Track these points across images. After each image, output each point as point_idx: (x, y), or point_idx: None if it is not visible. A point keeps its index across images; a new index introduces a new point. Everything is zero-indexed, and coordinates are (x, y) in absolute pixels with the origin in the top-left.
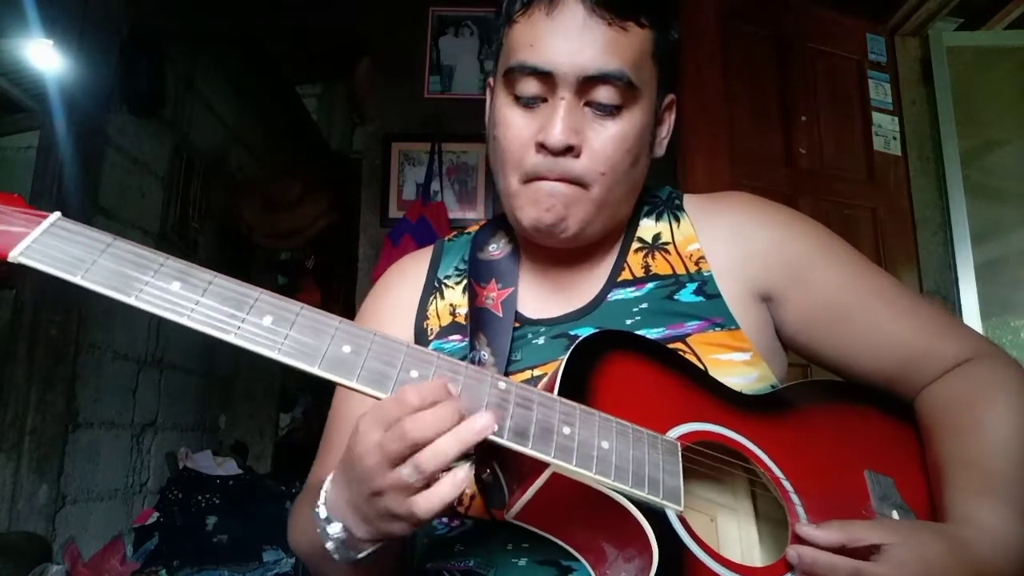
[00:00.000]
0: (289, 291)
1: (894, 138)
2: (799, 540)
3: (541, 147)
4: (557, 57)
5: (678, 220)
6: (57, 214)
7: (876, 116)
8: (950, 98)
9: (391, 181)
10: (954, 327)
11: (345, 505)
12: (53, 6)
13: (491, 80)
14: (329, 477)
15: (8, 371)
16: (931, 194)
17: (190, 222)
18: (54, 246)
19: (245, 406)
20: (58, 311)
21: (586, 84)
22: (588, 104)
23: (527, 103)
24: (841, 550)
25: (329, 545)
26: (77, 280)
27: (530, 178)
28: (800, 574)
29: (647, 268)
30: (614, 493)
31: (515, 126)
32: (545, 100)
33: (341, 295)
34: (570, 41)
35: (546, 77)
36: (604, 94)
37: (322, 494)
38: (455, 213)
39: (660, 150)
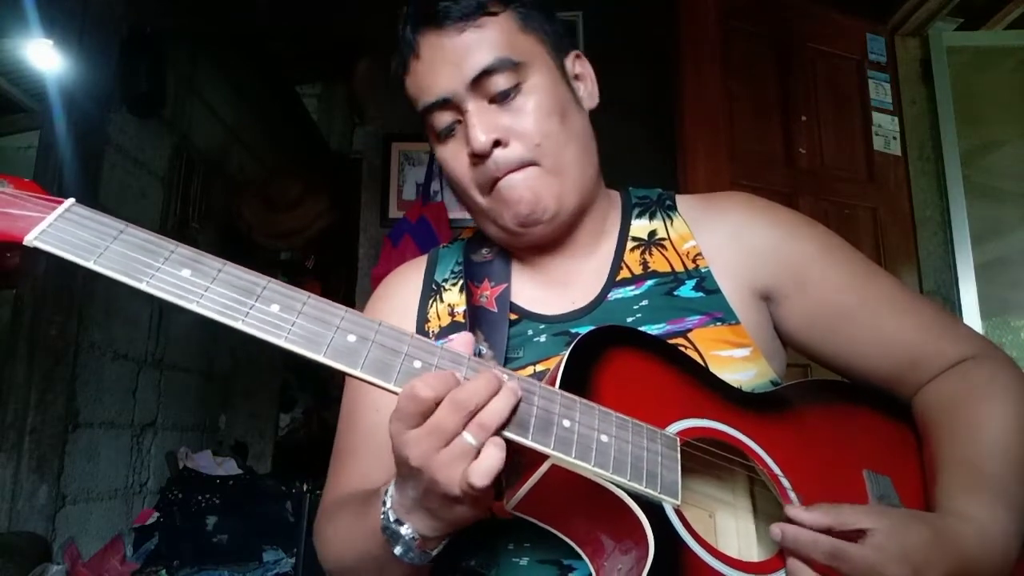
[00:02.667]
0: None
1: (894, 138)
2: (789, 522)
3: (475, 158)
4: (442, 83)
5: (671, 219)
6: (72, 200)
7: (876, 116)
8: (950, 98)
9: (391, 181)
10: (954, 327)
11: (412, 505)
12: (53, 6)
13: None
14: (392, 483)
15: (8, 371)
16: (931, 194)
17: (190, 222)
18: (68, 231)
19: (245, 406)
20: (58, 311)
21: (476, 86)
22: (492, 101)
23: (449, 133)
24: (827, 532)
25: (399, 549)
26: (90, 265)
27: (487, 187)
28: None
29: (645, 265)
30: (612, 486)
31: (451, 156)
32: (460, 122)
33: (341, 295)
34: (443, 65)
35: (446, 104)
36: (496, 83)
37: (387, 499)
38: (455, 213)
39: (592, 101)
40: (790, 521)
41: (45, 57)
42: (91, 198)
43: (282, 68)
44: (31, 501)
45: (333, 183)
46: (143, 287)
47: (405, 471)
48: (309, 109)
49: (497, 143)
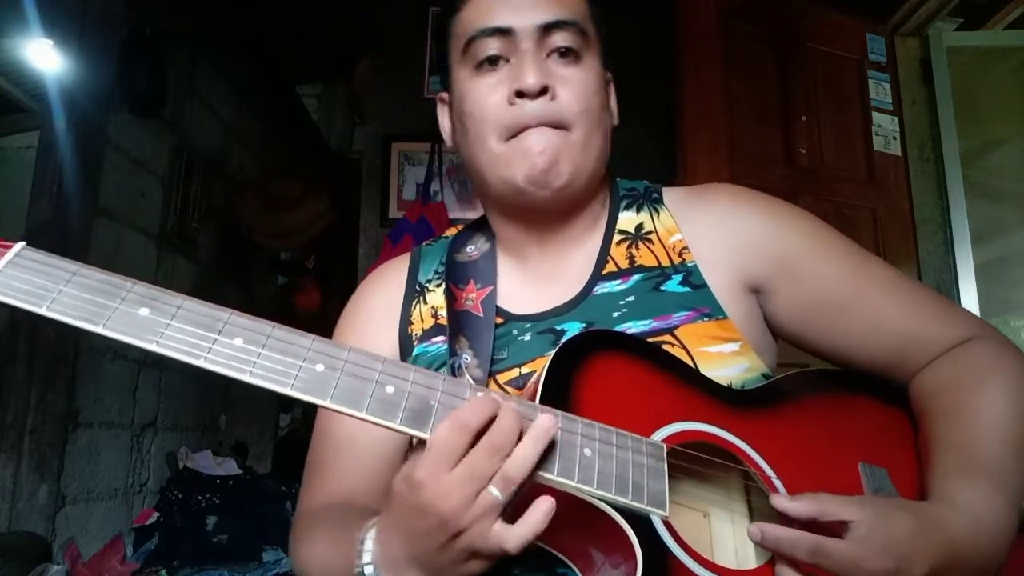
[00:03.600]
0: (289, 291)
1: (894, 138)
2: (775, 513)
3: (518, 95)
4: (514, 14)
5: (658, 212)
6: (21, 244)
7: (876, 116)
8: (950, 98)
9: (391, 181)
10: (951, 311)
11: (406, 561)
12: (53, 6)
13: (444, 95)
14: (369, 535)
15: (8, 371)
16: (931, 194)
17: (190, 222)
18: (18, 277)
19: (245, 406)
20: None
21: (545, 33)
22: (549, 54)
23: (492, 62)
24: (812, 523)
25: None
26: (43, 311)
27: (513, 133)
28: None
29: (632, 259)
30: (598, 501)
31: (484, 89)
32: (507, 60)
33: (341, 295)
34: (521, 1)
35: (506, 35)
36: (563, 38)
37: (365, 554)
38: (455, 213)
39: (615, 119)
40: (777, 511)
41: (45, 57)
42: (91, 198)
43: (282, 68)
44: (31, 501)
45: (333, 183)
46: (99, 331)
47: (422, 524)
48: (309, 109)
49: (545, 90)
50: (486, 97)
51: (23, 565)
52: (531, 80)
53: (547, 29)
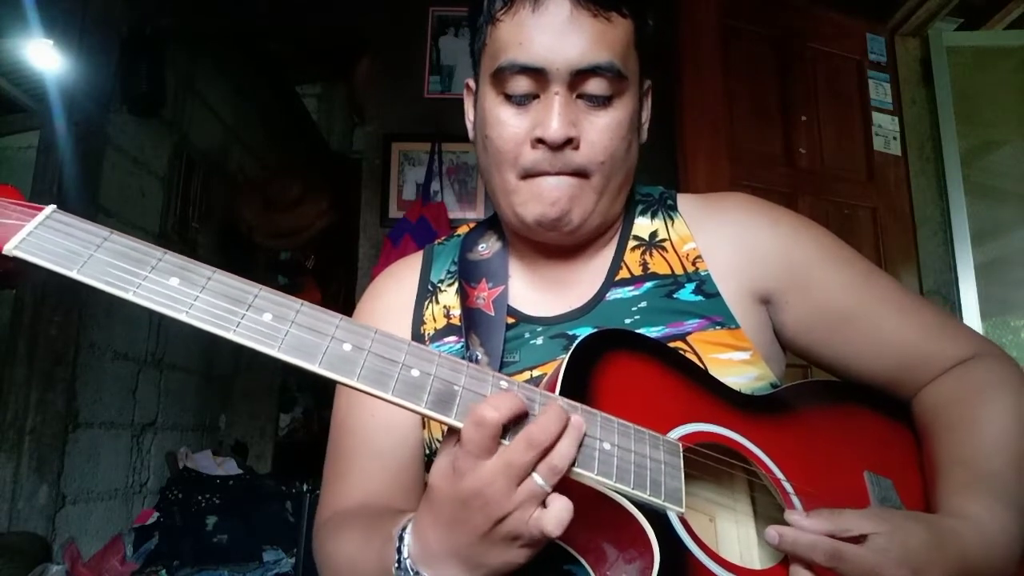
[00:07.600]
0: (289, 291)
1: (894, 138)
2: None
3: (539, 142)
4: (548, 54)
5: (672, 219)
6: (52, 207)
7: (876, 116)
8: (950, 98)
9: (391, 181)
10: (954, 328)
11: (445, 555)
12: (53, 6)
13: (470, 82)
14: (406, 531)
15: (8, 371)
16: (931, 194)
17: (190, 222)
18: (50, 239)
19: (245, 406)
20: (58, 311)
21: (578, 78)
22: (580, 97)
23: (519, 101)
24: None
25: None
26: (73, 274)
27: (530, 174)
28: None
29: (645, 267)
30: (615, 495)
31: (509, 124)
32: (537, 97)
33: (341, 295)
34: (559, 36)
35: (538, 74)
36: (595, 86)
37: (404, 548)
38: (455, 213)
39: (644, 135)
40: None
41: (45, 57)
42: (91, 198)
43: (282, 68)
44: (31, 501)
45: (333, 183)
46: (129, 297)
47: (471, 511)
48: (309, 109)
49: (569, 141)
50: (509, 130)
51: (23, 565)
52: (556, 133)
53: (581, 74)
